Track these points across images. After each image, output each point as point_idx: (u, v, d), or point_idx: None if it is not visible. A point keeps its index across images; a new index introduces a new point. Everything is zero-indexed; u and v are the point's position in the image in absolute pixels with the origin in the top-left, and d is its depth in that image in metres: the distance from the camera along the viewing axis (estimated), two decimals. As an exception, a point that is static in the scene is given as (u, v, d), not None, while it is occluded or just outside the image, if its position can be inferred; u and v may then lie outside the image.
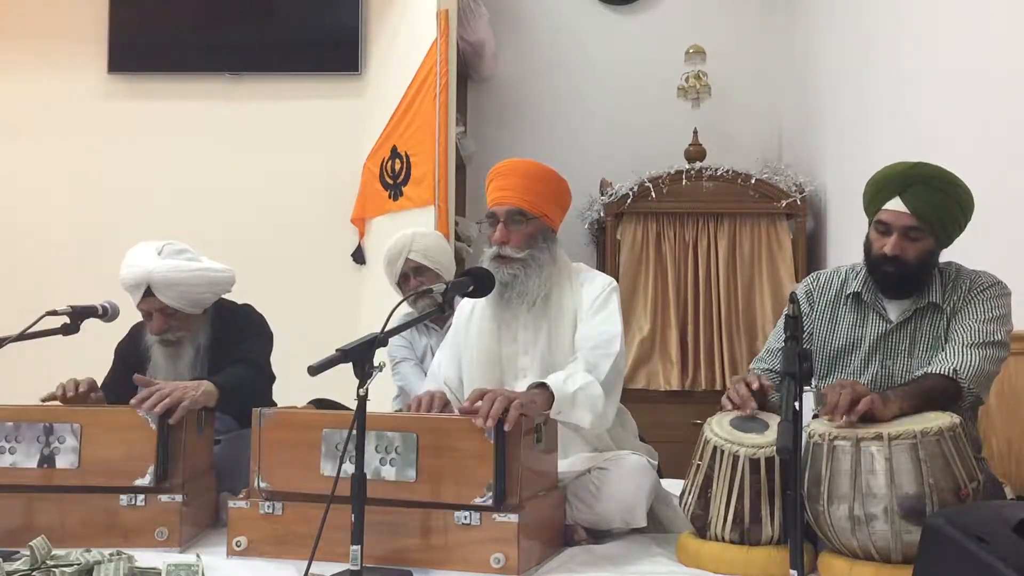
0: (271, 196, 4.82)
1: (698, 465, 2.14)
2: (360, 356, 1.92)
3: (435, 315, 2.40)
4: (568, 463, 2.39)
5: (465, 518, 2.01)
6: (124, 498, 2.24)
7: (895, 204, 2.23)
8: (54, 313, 2.52)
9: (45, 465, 2.25)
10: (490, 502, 2.00)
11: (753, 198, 4.56)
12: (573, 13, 5.35)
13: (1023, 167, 2.89)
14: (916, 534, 1.77)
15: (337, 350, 1.91)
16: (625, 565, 2.12)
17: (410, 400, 2.48)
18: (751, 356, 2.49)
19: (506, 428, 2.00)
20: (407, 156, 4.42)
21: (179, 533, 2.23)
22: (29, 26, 4.96)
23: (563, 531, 2.30)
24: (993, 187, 2.99)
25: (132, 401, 2.30)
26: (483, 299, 2.47)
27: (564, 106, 5.29)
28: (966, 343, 2.16)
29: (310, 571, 1.82)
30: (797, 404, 1.81)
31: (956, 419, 1.95)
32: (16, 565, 1.95)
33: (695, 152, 4.73)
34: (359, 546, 1.84)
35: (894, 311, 2.31)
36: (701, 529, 2.13)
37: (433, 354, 3.03)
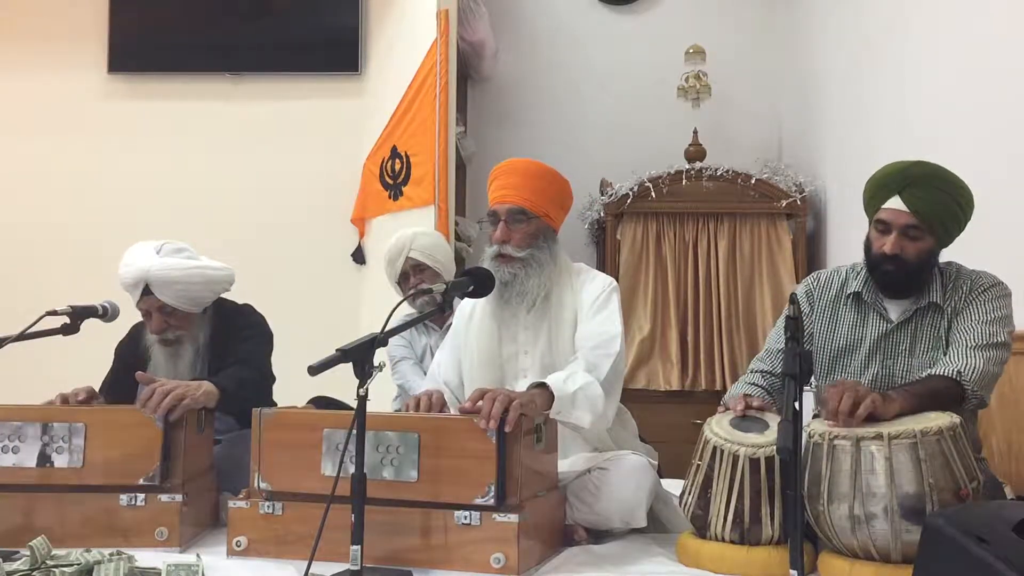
0: (271, 196, 4.82)
1: (698, 465, 2.14)
2: (360, 356, 1.92)
3: (435, 315, 2.40)
4: (568, 463, 2.39)
5: (465, 518, 2.01)
6: (124, 498, 2.24)
7: (894, 203, 2.23)
8: (54, 313, 2.52)
9: (45, 465, 2.25)
10: (492, 501, 2.00)
11: (753, 198, 4.57)
12: (573, 13, 5.35)
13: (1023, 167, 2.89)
14: (916, 534, 1.77)
15: (337, 350, 1.91)
16: (625, 565, 2.12)
17: (408, 400, 2.47)
18: (751, 356, 2.49)
19: (506, 429, 2.00)
20: (407, 156, 4.42)
21: (179, 533, 2.23)
22: (29, 26, 4.96)
23: (563, 531, 2.30)
24: (993, 187, 2.99)
25: (136, 404, 2.29)
26: (483, 299, 2.47)
27: (564, 106, 5.29)
28: (969, 345, 2.16)
29: (310, 571, 1.81)
30: (797, 404, 1.81)
31: (956, 419, 1.95)
32: (16, 565, 1.96)
33: (695, 152, 4.73)
34: (359, 546, 1.84)
35: (895, 311, 2.31)
36: (701, 529, 2.13)
37: (432, 354, 3.03)
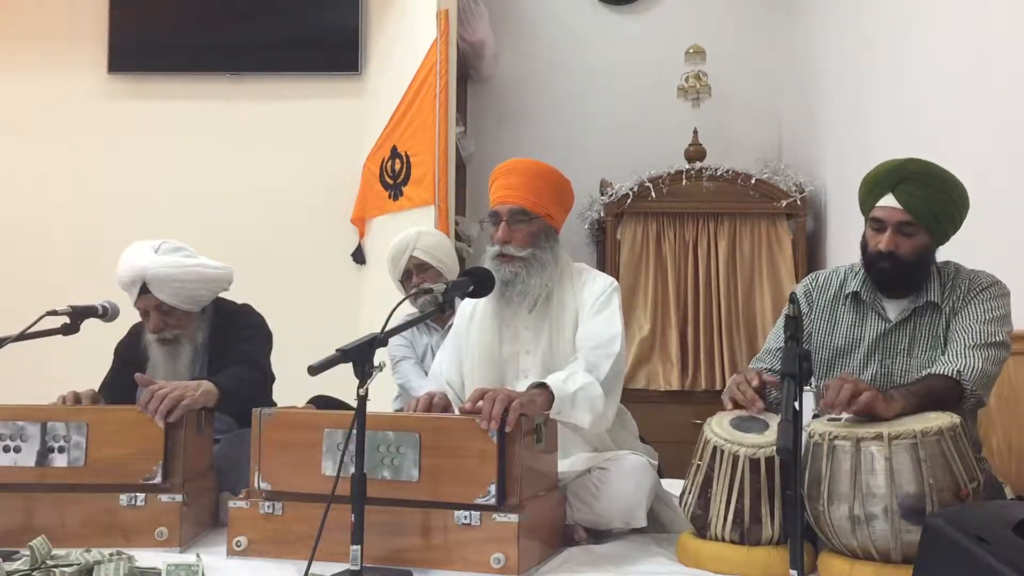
0: (271, 196, 4.82)
1: (698, 465, 2.14)
2: (360, 356, 1.92)
3: (435, 315, 2.40)
4: (568, 463, 2.39)
5: (465, 518, 2.01)
6: (124, 498, 2.24)
7: (888, 200, 2.24)
8: (54, 313, 2.52)
9: (45, 465, 2.25)
10: (493, 501, 2.00)
11: (753, 198, 4.57)
12: (573, 13, 5.35)
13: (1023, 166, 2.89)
14: (916, 534, 1.77)
15: (337, 350, 1.91)
16: (625, 565, 2.12)
17: (418, 395, 2.45)
18: (751, 356, 2.49)
19: (507, 430, 2.00)
20: (407, 156, 4.42)
21: (179, 533, 2.23)
22: (29, 26, 4.96)
23: (563, 531, 2.29)
24: (994, 187, 2.99)
25: (136, 407, 2.29)
26: (484, 299, 2.47)
27: (564, 106, 5.29)
28: (968, 345, 2.16)
29: (310, 571, 1.81)
30: (797, 404, 1.81)
31: (956, 419, 1.95)
32: (16, 565, 1.95)
33: (695, 152, 4.73)
34: (359, 546, 1.84)
35: (893, 310, 2.31)
36: (701, 529, 2.13)
37: (434, 353, 3.03)
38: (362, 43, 4.87)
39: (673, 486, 2.44)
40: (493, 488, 2.00)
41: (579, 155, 4.82)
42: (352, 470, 1.87)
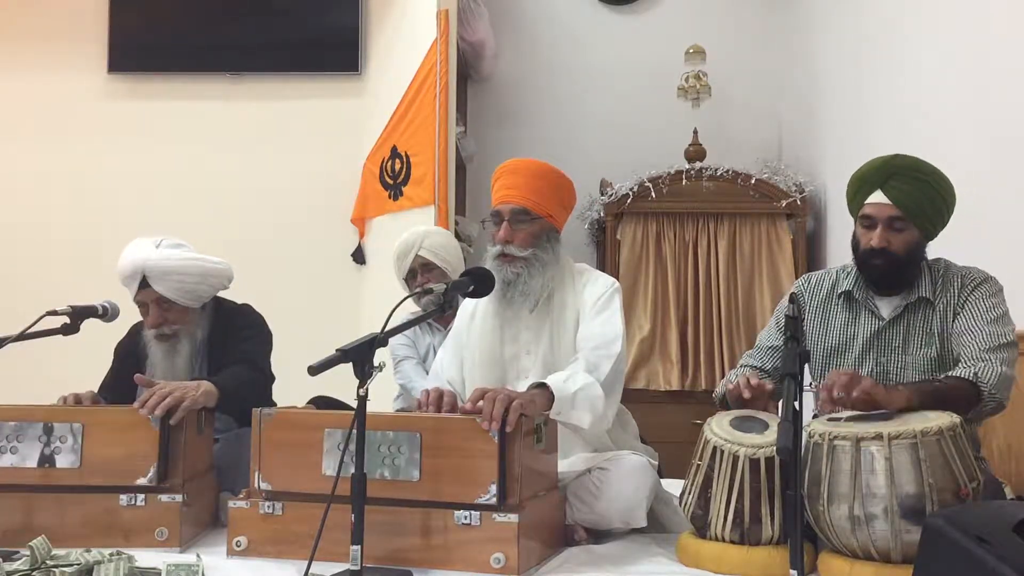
0: (271, 196, 4.82)
1: (698, 465, 2.14)
2: (360, 356, 1.92)
3: (435, 315, 2.40)
4: (568, 463, 2.39)
5: (465, 518, 2.01)
6: (124, 498, 2.24)
7: (877, 197, 2.26)
8: (54, 313, 2.52)
9: (45, 465, 2.25)
10: (494, 500, 2.00)
11: (753, 198, 4.57)
12: (573, 13, 5.36)
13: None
14: (916, 534, 1.77)
15: (337, 350, 1.91)
16: (625, 565, 2.12)
17: (418, 396, 2.43)
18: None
19: (507, 429, 2.00)
20: (407, 156, 4.42)
21: (179, 533, 2.23)
22: (29, 26, 4.96)
23: (563, 531, 2.29)
24: (993, 186, 3.00)
25: (135, 404, 2.30)
26: (485, 298, 2.47)
27: (564, 106, 5.29)
28: (982, 348, 2.16)
29: (310, 571, 1.81)
30: (797, 404, 1.81)
31: (956, 419, 1.95)
32: (16, 565, 1.95)
33: (695, 152, 4.73)
34: (359, 546, 1.84)
35: (886, 308, 2.32)
36: (701, 529, 2.13)
37: (435, 354, 3.03)
38: (362, 43, 4.87)
39: (673, 486, 2.44)
40: (494, 488, 2.00)
41: (579, 155, 4.82)
42: (352, 470, 1.87)
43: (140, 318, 2.78)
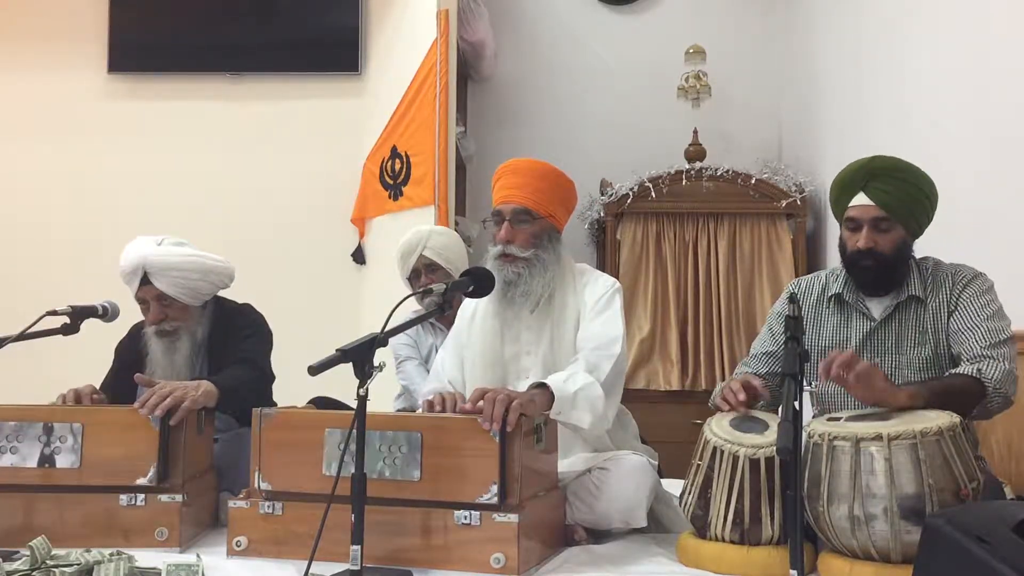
0: (271, 196, 4.82)
1: (698, 465, 2.14)
2: (360, 356, 1.92)
3: (435, 315, 2.40)
4: (568, 463, 2.39)
5: (465, 518, 2.01)
6: (124, 498, 2.24)
7: (860, 199, 2.27)
8: (54, 313, 2.52)
9: (45, 465, 2.25)
10: (495, 500, 2.00)
11: (753, 198, 4.57)
12: (573, 13, 5.36)
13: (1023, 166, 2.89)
14: (916, 534, 1.77)
15: (337, 350, 1.91)
16: (625, 565, 2.12)
17: (427, 398, 2.40)
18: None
19: (507, 429, 2.00)
20: (407, 156, 4.42)
21: (179, 533, 2.23)
22: (29, 26, 4.96)
23: (563, 531, 2.29)
24: (993, 186, 3.00)
25: (135, 404, 2.30)
26: (486, 298, 2.47)
27: (564, 106, 5.29)
28: (982, 346, 2.16)
29: (310, 571, 1.81)
30: (797, 404, 1.81)
31: (956, 419, 1.95)
32: (16, 565, 1.95)
33: (695, 152, 4.73)
34: (359, 546, 1.84)
35: (876, 309, 2.32)
36: (701, 529, 2.13)
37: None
38: (362, 43, 4.87)
39: (673, 486, 2.44)
40: (495, 487, 2.00)
41: (579, 155, 4.81)
42: (352, 470, 1.87)
43: (141, 318, 2.78)
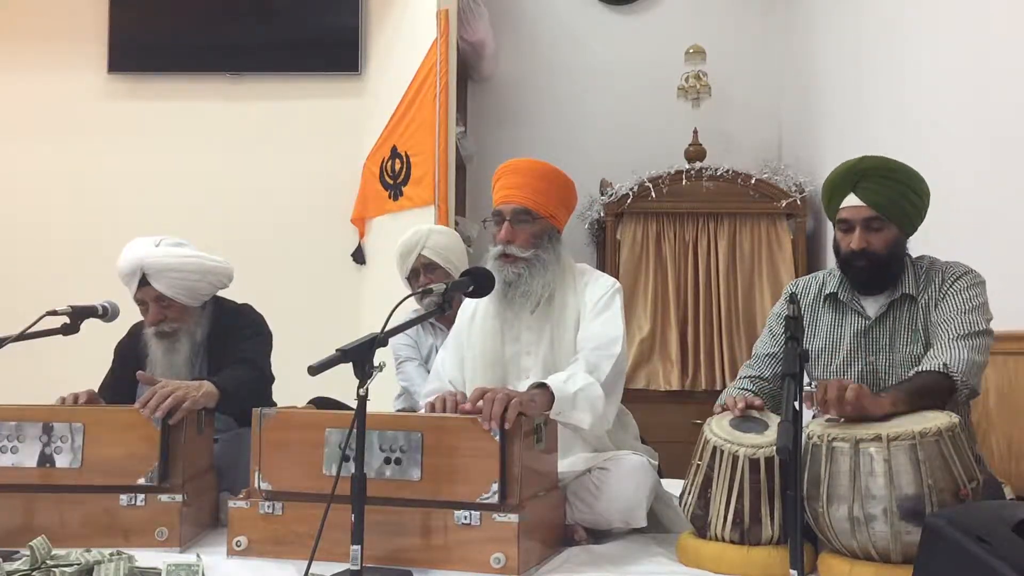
0: (271, 196, 4.83)
1: (698, 465, 2.14)
2: (360, 356, 1.92)
3: (434, 315, 2.39)
4: (568, 463, 2.39)
5: (465, 518, 2.01)
6: (124, 498, 2.24)
7: (851, 200, 2.27)
8: (54, 313, 2.52)
9: (46, 465, 2.25)
10: (496, 499, 2.00)
11: (753, 198, 4.57)
12: (573, 13, 5.36)
13: None
14: (916, 535, 1.77)
15: (337, 350, 1.91)
16: (625, 565, 2.12)
17: (428, 399, 2.41)
18: (751, 356, 2.50)
19: (505, 427, 2.00)
20: (407, 156, 4.42)
21: (179, 533, 2.23)
22: (29, 26, 4.96)
23: (563, 531, 2.29)
24: (993, 186, 3.00)
25: (136, 405, 2.30)
26: (486, 298, 2.47)
27: (564, 106, 5.29)
28: (951, 336, 2.16)
29: (310, 571, 1.81)
30: (797, 404, 1.81)
31: (955, 419, 1.95)
32: (16, 565, 1.96)
33: (695, 152, 4.73)
34: (359, 546, 1.84)
35: (871, 307, 2.33)
36: (701, 529, 2.13)
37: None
38: (362, 43, 4.87)
39: (673, 486, 2.44)
40: (495, 486, 2.00)
41: (579, 155, 4.81)
42: (352, 470, 1.87)
43: (140, 318, 2.78)
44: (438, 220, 4.04)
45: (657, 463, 2.51)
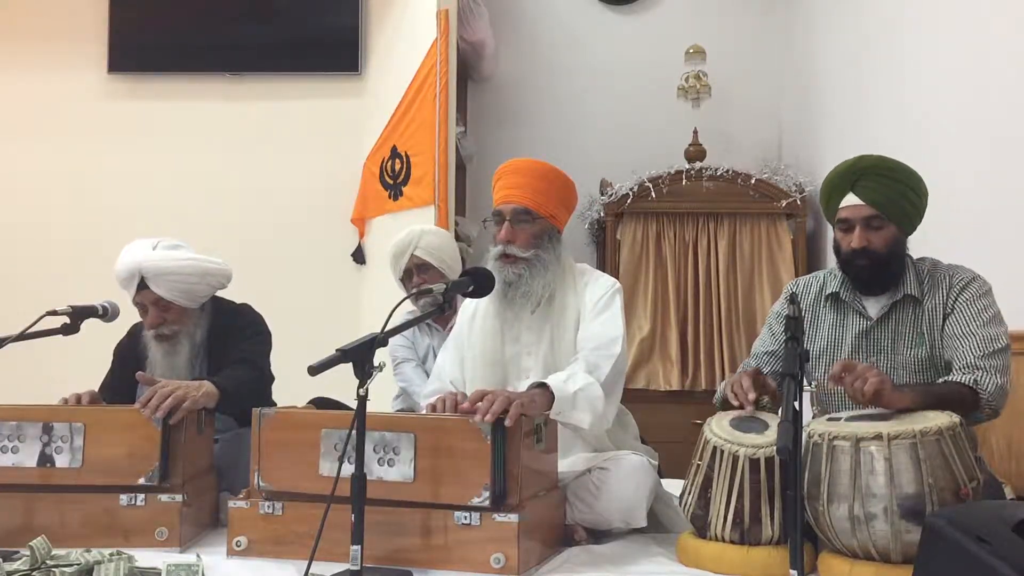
0: (271, 196, 4.82)
1: (698, 465, 2.14)
2: (360, 356, 1.92)
3: (435, 315, 2.40)
4: (568, 463, 2.39)
5: (465, 518, 2.01)
6: (124, 498, 2.24)
7: (850, 199, 2.28)
8: (54, 313, 2.52)
9: (46, 465, 2.25)
10: (487, 503, 2.00)
11: (753, 198, 4.57)
12: (573, 13, 5.36)
13: None
14: (916, 534, 1.77)
15: (337, 350, 1.91)
16: (625, 565, 2.12)
17: (429, 400, 2.41)
18: (750, 355, 2.50)
19: (507, 423, 2.00)
20: (407, 156, 4.42)
21: (179, 533, 2.23)
22: (29, 26, 4.96)
23: (563, 531, 2.29)
24: (993, 186, 3.00)
25: (136, 405, 2.30)
26: (487, 298, 2.47)
27: (564, 106, 5.29)
28: (976, 355, 2.15)
29: (310, 571, 1.81)
30: (797, 404, 1.81)
31: (956, 418, 1.95)
32: (16, 565, 1.95)
33: (695, 152, 4.73)
34: (359, 546, 1.84)
35: (873, 308, 2.33)
36: (701, 529, 2.13)
37: (435, 354, 3.02)
38: (362, 43, 4.87)
39: (673, 486, 2.44)
40: (486, 491, 2.00)
41: (579, 155, 4.81)
42: (352, 470, 1.87)
43: (140, 318, 2.77)
44: (438, 220, 4.04)
45: (657, 463, 2.51)
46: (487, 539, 1.99)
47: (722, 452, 2.08)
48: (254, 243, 4.61)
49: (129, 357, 2.77)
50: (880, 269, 2.28)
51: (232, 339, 2.74)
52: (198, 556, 2.06)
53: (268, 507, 2.15)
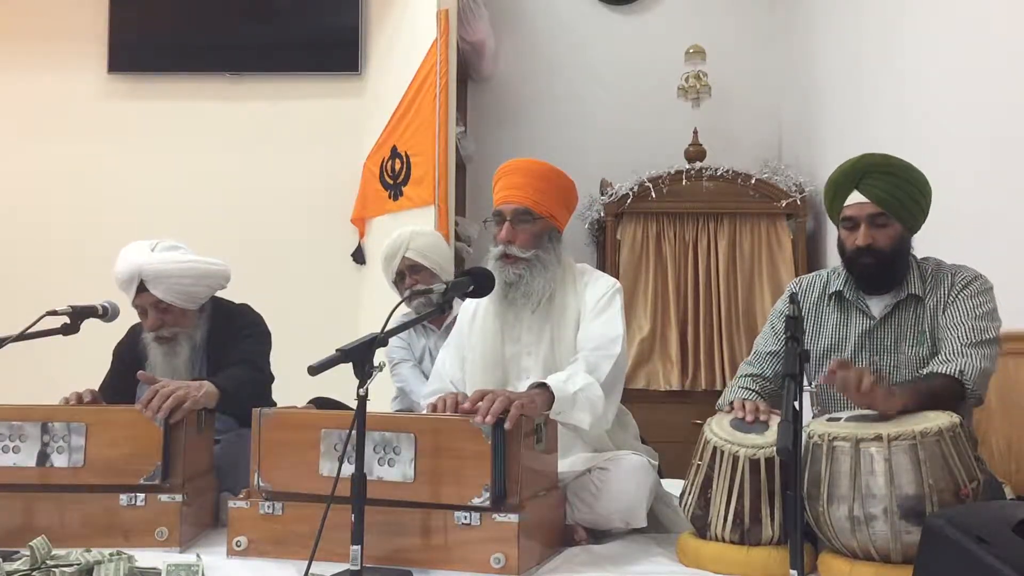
0: (271, 196, 4.83)
1: (698, 465, 2.14)
2: (360, 356, 1.92)
3: (435, 315, 2.39)
4: (568, 463, 2.39)
5: (465, 518, 2.01)
6: (124, 498, 2.24)
7: (854, 197, 2.28)
8: (54, 313, 2.52)
9: (46, 465, 2.25)
10: (487, 503, 2.00)
11: (753, 198, 4.56)
12: (573, 13, 5.35)
13: None
14: (916, 534, 1.77)
15: (337, 350, 1.91)
16: (625, 565, 2.12)
17: (430, 400, 2.41)
18: (751, 353, 2.50)
19: (507, 426, 2.00)
20: (407, 156, 4.42)
21: (179, 533, 2.23)
22: (29, 26, 4.96)
23: (563, 531, 2.29)
24: (993, 186, 3.00)
25: (137, 405, 2.30)
26: (487, 299, 2.47)
27: (564, 106, 5.29)
28: (964, 343, 2.17)
29: (310, 571, 1.81)
30: (797, 404, 1.81)
31: (956, 419, 1.95)
32: (16, 565, 1.95)
33: (695, 152, 4.73)
34: (359, 546, 1.84)
35: (876, 307, 2.33)
36: (701, 529, 2.13)
37: (432, 355, 3.03)
38: (362, 43, 4.87)
39: (673, 486, 2.44)
40: (486, 491, 2.00)
41: (579, 155, 4.81)
42: (352, 470, 1.87)
43: (139, 318, 2.77)
44: (438, 220, 4.05)
45: (657, 463, 2.51)
46: (487, 539, 1.99)
47: (722, 452, 2.08)
48: (254, 243, 4.61)
49: (129, 357, 2.77)
50: (885, 267, 2.28)
51: (232, 339, 2.74)
52: (198, 556, 2.06)
53: (268, 507, 2.15)
